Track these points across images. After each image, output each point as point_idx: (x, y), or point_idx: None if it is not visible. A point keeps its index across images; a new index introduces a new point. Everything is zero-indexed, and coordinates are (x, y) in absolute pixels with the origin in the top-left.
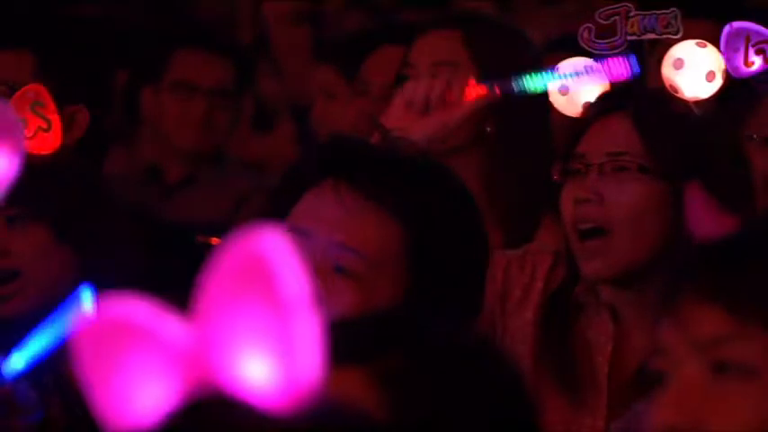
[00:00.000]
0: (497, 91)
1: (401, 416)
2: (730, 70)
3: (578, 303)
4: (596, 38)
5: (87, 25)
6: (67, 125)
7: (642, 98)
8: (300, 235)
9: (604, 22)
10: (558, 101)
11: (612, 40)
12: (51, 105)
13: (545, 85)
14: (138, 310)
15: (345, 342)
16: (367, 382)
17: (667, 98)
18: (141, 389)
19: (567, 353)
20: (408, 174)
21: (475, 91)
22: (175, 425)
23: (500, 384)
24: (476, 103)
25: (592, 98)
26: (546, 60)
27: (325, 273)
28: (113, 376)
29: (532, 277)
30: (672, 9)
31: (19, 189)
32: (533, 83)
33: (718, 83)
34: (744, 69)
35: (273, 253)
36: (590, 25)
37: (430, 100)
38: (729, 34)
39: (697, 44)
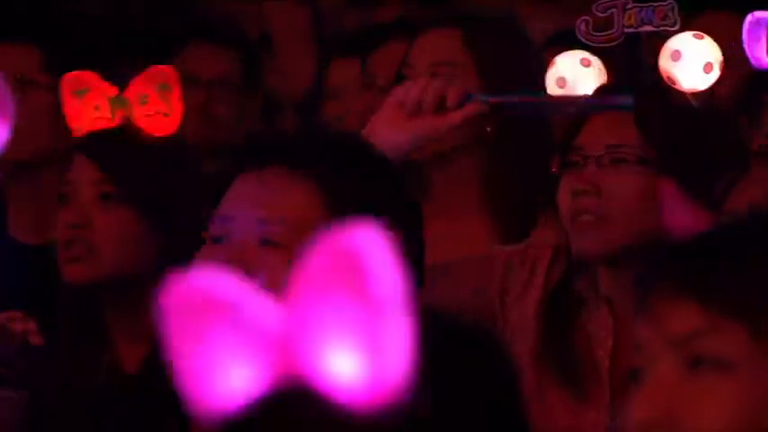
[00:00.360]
0: (491, 103)
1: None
2: (752, 60)
3: (579, 297)
4: (594, 31)
5: (92, 21)
6: None
7: (640, 90)
8: (227, 222)
9: (601, 15)
10: (555, 94)
11: (609, 32)
12: (177, 91)
13: (538, 107)
14: (231, 286)
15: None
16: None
17: (665, 90)
18: (227, 369)
19: (568, 348)
20: (323, 143)
21: (469, 100)
22: (259, 411)
23: (495, 374)
24: (468, 113)
25: (590, 91)
26: (545, 57)
27: (252, 248)
28: (199, 352)
29: (532, 272)
30: (669, 1)
31: (122, 169)
32: (527, 104)
33: (715, 74)
34: (765, 60)
35: (368, 249)
36: (587, 18)
37: (422, 102)
38: (751, 24)
39: (694, 36)
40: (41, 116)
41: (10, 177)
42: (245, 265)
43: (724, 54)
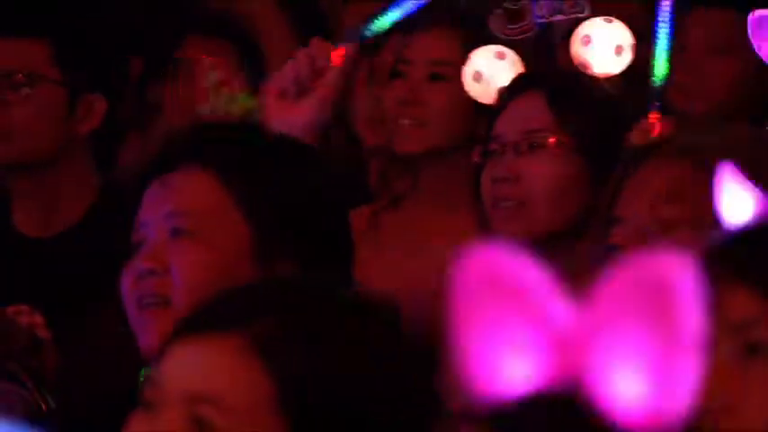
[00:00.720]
0: (352, 42)
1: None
2: (764, 58)
3: None
4: (507, 24)
5: (102, 15)
6: (84, 114)
7: (553, 76)
8: (143, 227)
9: (513, 8)
10: (472, 88)
11: (522, 24)
12: None
13: (388, 23)
14: (533, 275)
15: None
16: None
17: (578, 74)
18: (508, 358)
19: None
20: (223, 137)
21: (338, 53)
22: (530, 408)
23: (382, 339)
24: (344, 60)
25: (506, 83)
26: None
27: (164, 242)
28: (484, 335)
29: None
30: None
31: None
32: (378, 25)
33: (627, 57)
34: None
35: (681, 281)
36: (500, 11)
37: (301, 81)
38: (755, 22)
39: (604, 20)
40: (49, 111)
41: (15, 171)
42: (160, 261)
43: (718, 48)
